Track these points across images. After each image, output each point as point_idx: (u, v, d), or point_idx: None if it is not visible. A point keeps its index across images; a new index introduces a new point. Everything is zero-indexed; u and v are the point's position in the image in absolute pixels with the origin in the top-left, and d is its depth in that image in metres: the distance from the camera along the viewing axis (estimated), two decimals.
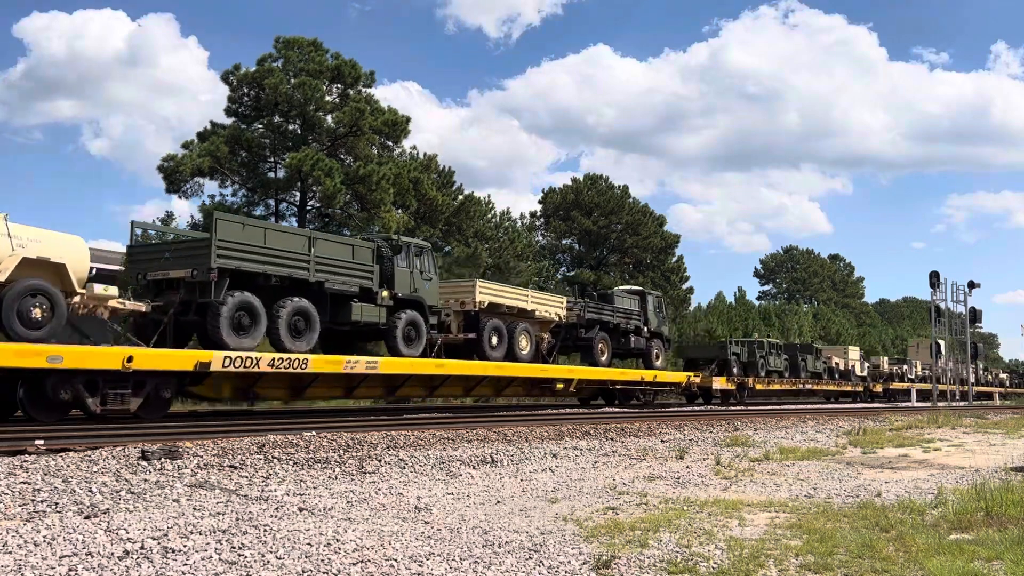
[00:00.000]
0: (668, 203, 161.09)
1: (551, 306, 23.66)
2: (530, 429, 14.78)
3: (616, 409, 25.87)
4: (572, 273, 57.75)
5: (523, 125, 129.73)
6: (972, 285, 46.41)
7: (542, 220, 59.47)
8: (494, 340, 20.79)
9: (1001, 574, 5.12)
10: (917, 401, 44.02)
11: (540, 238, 58.73)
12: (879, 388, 48.07)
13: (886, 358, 52.87)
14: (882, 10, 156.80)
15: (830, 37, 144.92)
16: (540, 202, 60.17)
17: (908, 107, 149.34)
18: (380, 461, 10.03)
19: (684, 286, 60.95)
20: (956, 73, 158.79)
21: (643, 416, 20.99)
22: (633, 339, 27.06)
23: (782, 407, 32.96)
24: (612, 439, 14.29)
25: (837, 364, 43.32)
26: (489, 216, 46.97)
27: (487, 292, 21.14)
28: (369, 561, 5.12)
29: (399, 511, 6.94)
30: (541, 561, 5.22)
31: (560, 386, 23.66)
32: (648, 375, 26.90)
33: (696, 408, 29.86)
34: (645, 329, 27.71)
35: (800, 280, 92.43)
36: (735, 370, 32.41)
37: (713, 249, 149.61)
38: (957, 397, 45.61)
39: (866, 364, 47.34)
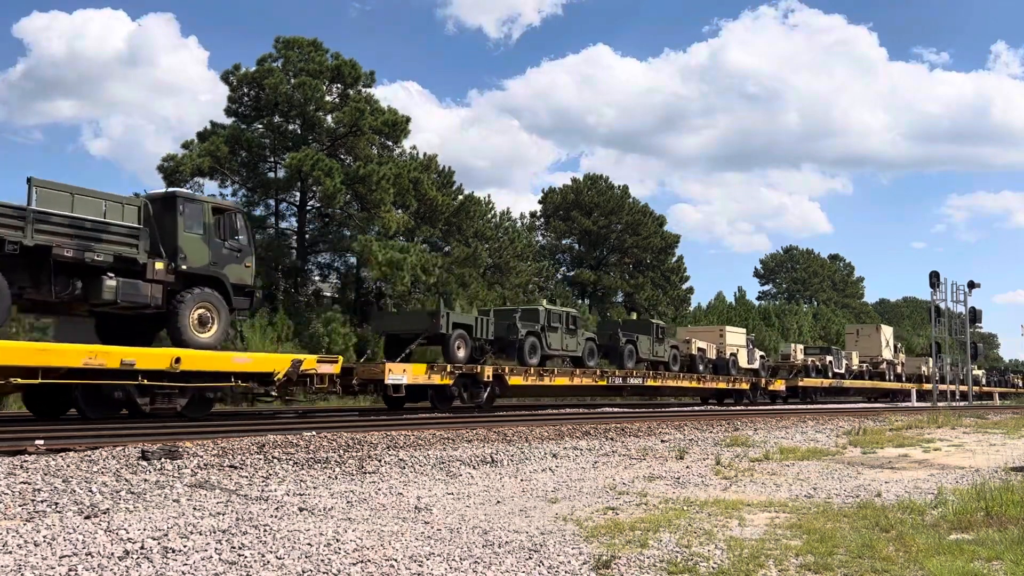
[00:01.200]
0: (668, 203, 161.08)
1: None
2: (530, 429, 14.78)
3: (617, 409, 25.69)
4: (572, 273, 57.81)
5: (523, 125, 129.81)
6: (972, 285, 46.47)
7: (542, 220, 59.47)
8: None
9: (1001, 574, 5.12)
10: (916, 401, 44.02)
11: (540, 238, 58.72)
12: (779, 385, 36.04)
13: (800, 347, 41.29)
14: (882, 10, 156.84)
15: (830, 37, 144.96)
16: (540, 202, 60.21)
17: (908, 107, 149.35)
18: (380, 461, 10.03)
19: (684, 286, 61.04)
20: (956, 73, 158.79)
21: (643, 416, 20.98)
22: (114, 285, 14.17)
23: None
24: (612, 439, 14.30)
25: (702, 351, 31.43)
26: (489, 216, 46.94)
27: None
28: (369, 561, 5.12)
29: (399, 511, 6.94)
30: (541, 561, 5.22)
31: None
32: (158, 358, 14.29)
33: (696, 408, 29.56)
34: (159, 267, 14.83)
35: (800, 280, 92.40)
36: (461, 353, 20.85)
37: (713, 249, 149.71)
38: (957, 397, 45.58)
39: (757, 353, 35.44)
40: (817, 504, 7.72)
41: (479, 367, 21.06)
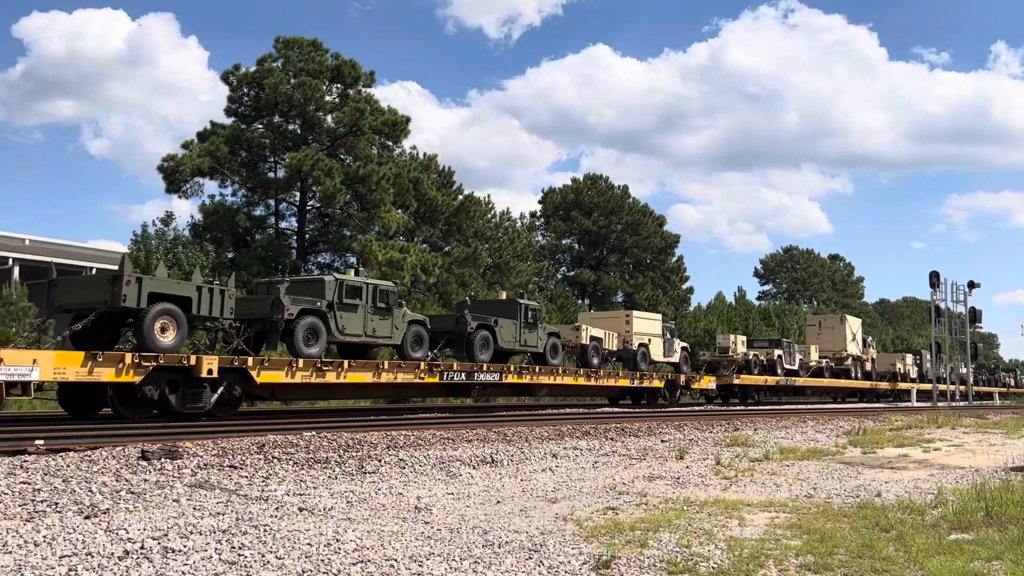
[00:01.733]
0: (668, 203, 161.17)
1: None
2: (530, 429, 14.78)
3: (616, 409, 25.76)
4: (572, 273, 57.81)
5: (523, 125, 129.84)
6: (972, 285, 46.47)
7: (542, 220, 59.49)
8: None
9: (1001, 574, 5.12)
10: (917, 401, 44.01)
11: (540, 238, 58.73)
12: (707, 383, 30.47)
13: (742, 339, 35.03)
14: (882, 10, 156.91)
15: (830, 37, 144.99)
16: (540, 202, 60.22)
17: (908, 107, 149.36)
18: (380, 461, 10.03)
19: (684, 286, 61.09)
20: (956, 73, 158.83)
21: (643, 416, 20.98)
22: None
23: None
24: (612, 439, 14.29)
25: (597, 341, 25.54)
26: (489, 216, 46.99)
27: None
28: (369, 561, 5.12)
29: (399, 511, 6.94)
30: (541, 561, 5.22)
31: None
32: None
33: (697, 408, 29.54)
34: None
35: (800, 280, 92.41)
36: (168, 339, 14.07)
37: (713, 249, 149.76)
38: (958, 397, 45.56)
39: (678, 344, 29.89)
40: (817, 504, 7.72)
41: (193, 357, 14.65)
